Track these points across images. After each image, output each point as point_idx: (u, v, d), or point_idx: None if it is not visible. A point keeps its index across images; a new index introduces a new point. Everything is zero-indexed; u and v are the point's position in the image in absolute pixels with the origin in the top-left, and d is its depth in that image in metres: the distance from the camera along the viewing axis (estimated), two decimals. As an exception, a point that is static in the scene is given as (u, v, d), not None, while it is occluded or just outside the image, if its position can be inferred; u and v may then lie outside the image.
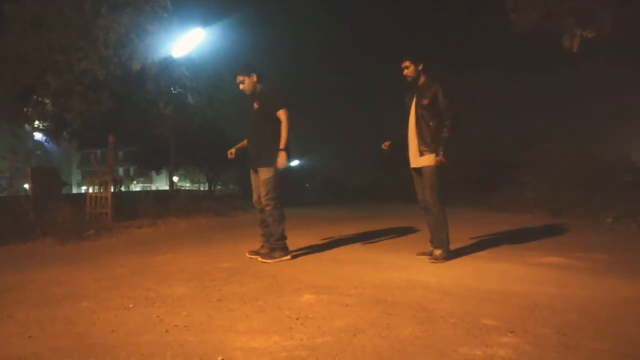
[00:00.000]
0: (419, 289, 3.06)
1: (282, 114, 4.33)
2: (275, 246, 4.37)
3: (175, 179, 33.03)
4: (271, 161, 4.32)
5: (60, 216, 7.01)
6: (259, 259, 4.33)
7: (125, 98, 9.67)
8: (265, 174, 4.36)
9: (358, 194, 32.61)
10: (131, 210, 9.61)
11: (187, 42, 10.55)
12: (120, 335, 2.26)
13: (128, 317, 2.56)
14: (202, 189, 39.40)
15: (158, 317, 2.54)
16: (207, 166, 25.42)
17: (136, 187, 50.36)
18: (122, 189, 12.19)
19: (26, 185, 9.50)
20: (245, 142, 4.70)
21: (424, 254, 4.34)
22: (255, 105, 4.49)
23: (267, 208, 4.37)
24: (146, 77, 9.25)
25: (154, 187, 49.34)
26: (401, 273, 3.64)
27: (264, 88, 4.52)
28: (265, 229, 4.52)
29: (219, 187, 29.13)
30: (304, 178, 42.50)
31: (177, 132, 13.63)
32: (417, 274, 3.60)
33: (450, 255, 4.17)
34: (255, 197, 4.60)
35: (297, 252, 4.74)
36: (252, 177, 4.64)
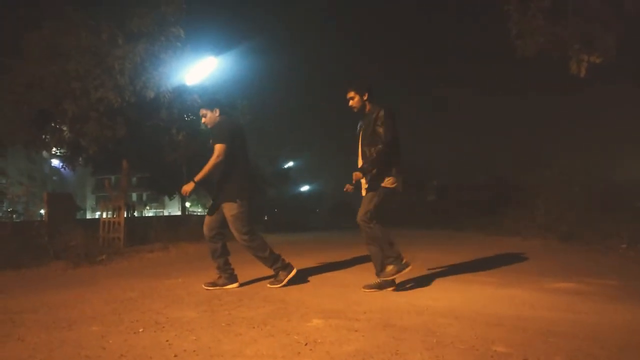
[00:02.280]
0: (427, 314, 3.04)
1: (215, 148, 4.14)
2: (276, 270, 4.31)
3: (187, 204, 33.26)
4: (232, 195, 4.18)
5: (74, 240, 7.09)
6: (268, 284, 4.31)
7: (139, 125, 9.84)
8: (229, 210, 4.18)
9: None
10: (143, 235, 9.70)
11: (200, 70, 10.79)
12: (128, 359, 2.27)
13: (137, 341, 2.58)
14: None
15: (167, 341, 2.55)
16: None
17: (149, 212, 50.74)
18: (135, 214, 12.32)
19: (42, 211, 9.63)
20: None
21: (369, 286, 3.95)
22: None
23: (244, 244, 4.24)
24: (160, 104, 9.42)
25: (166, 213, 49.64)
26: (410, 297, 3.62)
27: (218, 121, 4.35)
28: (218, 260, 4.34)
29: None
30: (314, 204, 42.57)
31: (189, 158, 13.82)
32: (426, 298, 3.57)
33: (402, 267, 3.82)
34: (205, 228, 4.33)
35: (305, 277, 4.73)
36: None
